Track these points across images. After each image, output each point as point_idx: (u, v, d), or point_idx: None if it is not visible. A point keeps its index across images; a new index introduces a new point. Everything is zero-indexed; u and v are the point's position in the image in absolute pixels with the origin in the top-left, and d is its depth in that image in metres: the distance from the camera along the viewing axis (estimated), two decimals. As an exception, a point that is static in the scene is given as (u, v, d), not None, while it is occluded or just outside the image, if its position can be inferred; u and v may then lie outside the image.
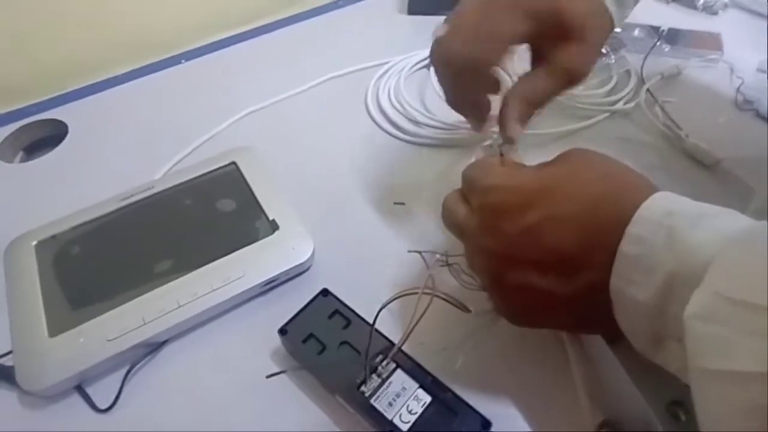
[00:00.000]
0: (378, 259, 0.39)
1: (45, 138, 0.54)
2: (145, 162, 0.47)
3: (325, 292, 0.34)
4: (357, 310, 0.34)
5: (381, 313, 0.29)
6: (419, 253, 0.33)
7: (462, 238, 0.31)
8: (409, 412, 0.29)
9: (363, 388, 0.30)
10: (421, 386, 0.30)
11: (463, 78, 0.34)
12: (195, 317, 0.35)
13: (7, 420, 0.32)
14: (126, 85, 0.57)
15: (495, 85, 0.37)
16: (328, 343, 0.32)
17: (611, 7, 0.34)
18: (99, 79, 0.57)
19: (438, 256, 0.34)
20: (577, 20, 0.32)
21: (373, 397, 0.30)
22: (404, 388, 0.30)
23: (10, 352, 0.34)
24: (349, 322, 0.33)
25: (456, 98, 0.37)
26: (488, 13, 0.33)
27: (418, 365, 0.31)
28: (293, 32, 0.63)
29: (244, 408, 0.32)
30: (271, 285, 0.37)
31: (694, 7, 0.60)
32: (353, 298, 0.35)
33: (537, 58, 0.36)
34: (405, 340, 0.30)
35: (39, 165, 0.50)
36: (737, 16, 0.61)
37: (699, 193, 0.41)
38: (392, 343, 0.31)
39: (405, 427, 0.29)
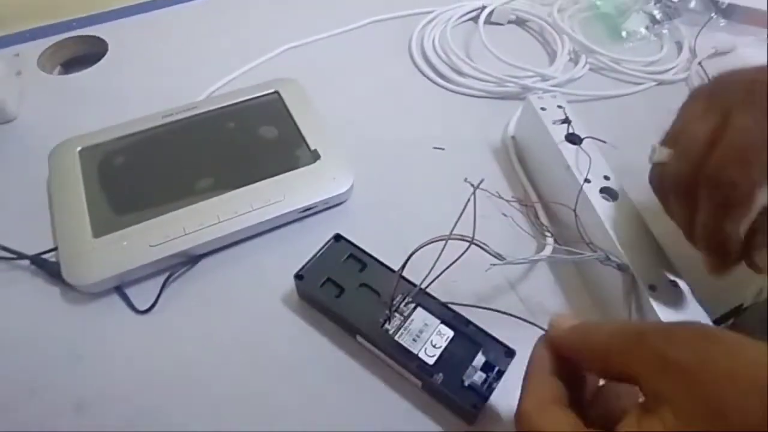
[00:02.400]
0: (413, 199, 0.40)
1: (84, 55, 0.54)
2: (185, 86, 0.47)
3: (337, 237, 0.34)
4: (386, 249, 0.33)
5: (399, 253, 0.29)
6: (473, 186, 0.29)
7: None
8: (434, 346, 0.30)
9: (386, 326, 0.30)
10: (443, 321, 0.31)
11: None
12: (233, 234, 0.36)
13: (51, 313, 0.33)
14: (170, 8, 0.56)
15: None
16: (346, 286, 0.32)
17: None
18: (143, 0, 0.57)
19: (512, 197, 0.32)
20: None
21: (397, 335, 0.30)
22: (426, 324, 0.30)
23: (54, 249, 0.35)
24: (365, 265, 0.33)
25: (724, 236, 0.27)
26: (735, 127, 0.26)
27: (440, 302, 0.31)
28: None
29: (270, 330, 0.33)
30: (308, 212, 0.38)
31: None
32: (387, 235, 0.35)
33: None
34: (427, 282, 0.30)
35: (78, 79, 0.50)
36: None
37: None
38: (413, 285, 0.31)
39: (431, 360, 0.29)
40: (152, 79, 0.49)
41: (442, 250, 0.28)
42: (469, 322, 0.31)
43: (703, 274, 0.34)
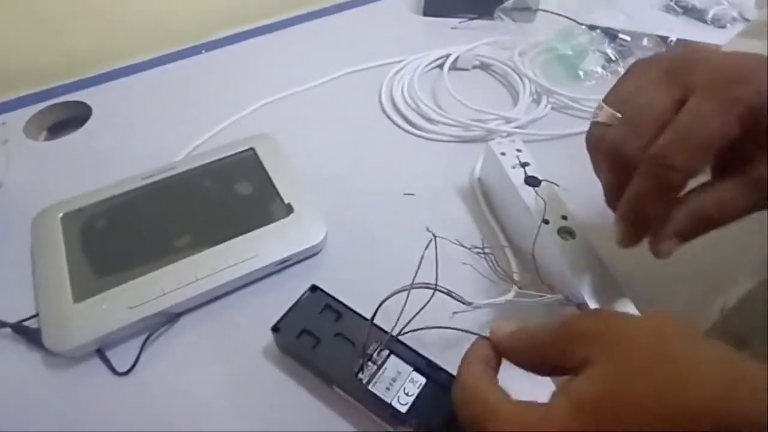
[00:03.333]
0: (386, 246, 0.41)
1: (69, 119, 0.56)
2: (165, 145, 0.49)
3: (313, 288, 0.35)
4: (361, 297, 0.34)
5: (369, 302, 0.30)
6: (433, 237, 0.32)
7: None
8: (406, 394, 0.30)
9: (360, 375, 0.31)
10: (416, 369, 0.31)
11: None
12: (211, 291, 0.37)
13: (32, 379, 0.34)
14: (149, 71, 0.59)
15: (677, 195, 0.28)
16: (322, 337, 0.33)
17: None
18: (123, 65, 0.59)
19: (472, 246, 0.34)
20: None
21: (371, 384, 0.31)
22: (399, 372, 0.31)
23: (35, 316, 0.36)
24: (339, 315, 0.34)
25: (644, 212, 0.28)
26: (692, 112, 0.25)
27: (411, 349, 0.32)
28: (311, 28, 0.65)
29: (252, 382, 0.34)
30: (284, 264, 0.39)
31: (704, 20, 0.62)
32: (361, 283, 0.36)
33: (724, 160, 0.27)
34: (398, 329, 0.31)
35: (63, 144, 0.51)
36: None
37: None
38: (385, 332, 0.32)
39: (404, 408, 0.30)
40: (134, 141, 0.51)
41: (407, 298, 0.30)
42: (440, 369, 0.31)
43: (662, 304, 0.36)
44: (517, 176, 0.38)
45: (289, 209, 0.41)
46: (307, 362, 0.33)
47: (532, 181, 0.38)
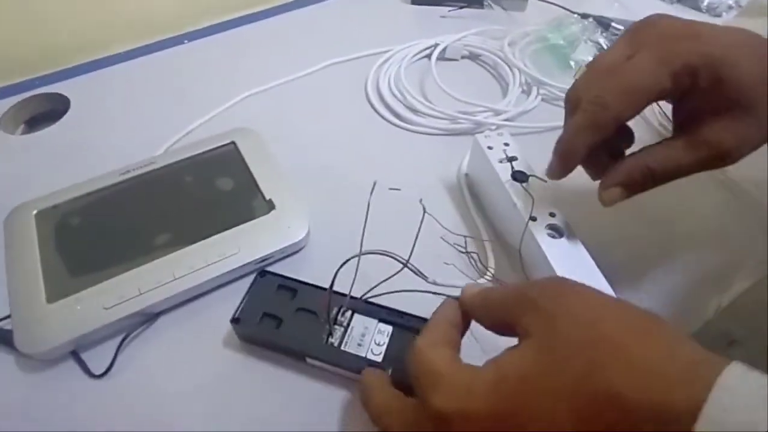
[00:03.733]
0: (371, 242, 0.40)
1: (47, 112, 0.54)
2: (145, 139, 0.48)
3: (262, 273, 0.35)
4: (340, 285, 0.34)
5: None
6: (424, 213, 0.32)
7: None
8: (378, 344, 0.32)
9: (330, 340, 0.32)
10: (380, 320, 0.32)
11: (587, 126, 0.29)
12: (190, 290, 0.36)
13: (4, 382, 0.33)
14: (129, 62, 0.57)
15: (621, 144, 0.32)
16: (283, 316, 0.33)
17: None
18: (102, 56, 0.58)
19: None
20: (744, 92, 0.26)
21: (342, 344, 0.32)
22: (366, 327, 0.32)
23: (8, 317, 0.35)
24: (295, 291, 0.34)
25: (574, 144, 0.30)
26: (633, 63, 0.27)
27: (371, 303, 0.33)
28: (296, 17, 0.64)
29: (233, 382, 0.33)
30: (265, 262, 0.38)
31: (699, 9, 0.61)
32: (344, 280, 0.35)
33: (680, 119, 0.30)
34: (357, 293, 0.32)
35: (41, 138, 0.50)
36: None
37: (693, 188, 0.43)
38: (344, 295, 0.33)
39: (379, 358, 0.31)
40: (114, 134, 0.49)
41: (358, 265, 0.31)
42: (403, 313, 0.33)
43: (655, 302, 0.35)
44: (504, 171, 0.37)
45: (270, 205, 0.40)
46: (275, 344, 0.33)
47: (519, 176, 0.37)
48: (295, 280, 0.35)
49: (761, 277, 0.36)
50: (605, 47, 0.54)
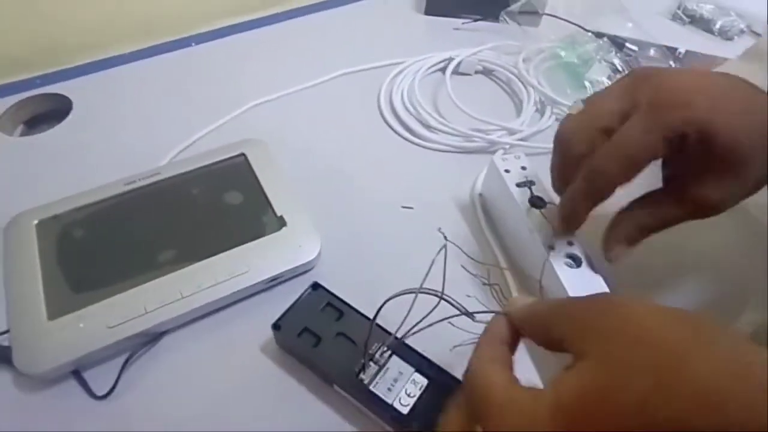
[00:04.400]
0: (383, 263, 0.39)
1: (47, 113, 0.53)
2: (150, 145, 0.47)
3: (315, 286, 0.35)
4: (358, 309, 0.34)
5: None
6: (446, 242, 0.30)
7: None
8: (408, 395, 0.30)
9: (362, 375, 0.30)
10: (417, 370, 0.31)
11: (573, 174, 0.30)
12: (197, 309, 0.35)
13: (2, 401, 0.32)
14: (133, 64, 0.56)
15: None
16: (323, 336, 0.32)
17: None
18: (106, 56, 0.56)
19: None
20: (735, 154, 0.27)
21: (372, 384, 0.30)
22: (401, 373, 0.31)
23: (6, 332, 0.34)
24: (341, 314, 0.33)
25: (560, 188, 0.33)
26: (627, 130, 0.28)
27: (414, 350, 0.32)
28: (308, 23, 0.62)
29: (242, 404, 0.32)
30: (275, 282, 0.37)
31: (711, 31, 0.61)
32: (355, 300, 0.34)
33: (669, 173, 0.31)
34: (403, 330, 0.30)
35: (40, 140, 0.49)
36: (752, 42, 0.62)
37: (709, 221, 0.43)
38: (388, 333, 0.31)
39: (405, 410, 0.29)
40: (117, 139, 0.48)
41: (413, 301, 0.28)
42: (442, 371, 0.31)
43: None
44: (522, 196, 0.37)
45: (281, 222, 0.39)
46: (308, 361, 0.32)
47: (537, 203, 0.36)
48: (345, 303, 0.34)
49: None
50: (619, 68, 0.53)
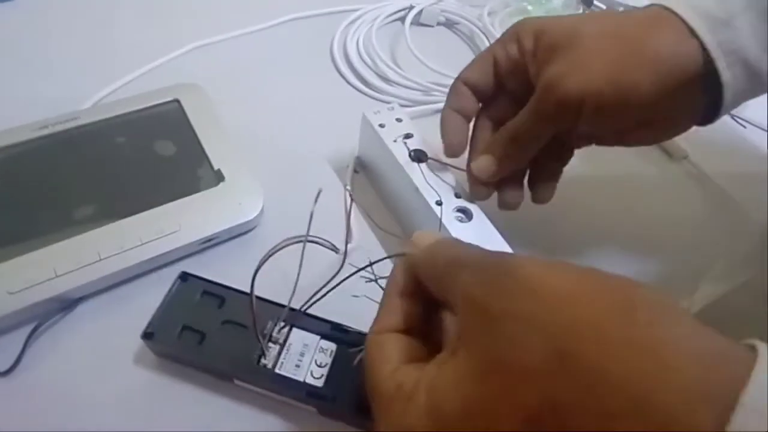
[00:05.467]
0: (328, 227, 0.36)
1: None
2: (68, 87, 0.41)
3: (183, 277, 0.30)
4: (300, 281, 0.29)
5: (258, 276, 0.26)
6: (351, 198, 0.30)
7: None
8: (319, 365, 0.27)
9: (263, 360, 0.27)
10: (323, 337, 0.28)
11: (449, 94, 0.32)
12: (118, 273, 0.31)
13: None
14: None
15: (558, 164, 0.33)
16: (206, 330, 0.28)
17: None
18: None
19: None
20: (562, 34, 0.28)
21: (277, 366, 0.27)
22: (306, 345, 0.28)
23: None
24: (222, 300, 0.29)
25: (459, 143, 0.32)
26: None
27: (313, 316, 0.29)
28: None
29: (154, 397, 0.28)
30: (210, 243, 0.33)
31: None
32: (297, 267, 0.31)
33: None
34: (288, 298, 0.28)
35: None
36: None
37: (664, 183, 0.42)
38: (280, 305, 0.28)
39: (320, 382, 0.27)
40: (27, 76, 0.42)
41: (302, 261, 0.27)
42: (349, 330, 0.28)
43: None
44: (401, 151, 0.33)
45: (219, 176, 0.34)
46: (196, 362, 0.28)
47: (420, 156, 0.33)
48: (223, 286, 0.29)
49: (735, 284, 0.35)
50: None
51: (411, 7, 0.50)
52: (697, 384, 0.13)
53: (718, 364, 0.14)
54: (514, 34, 0.30)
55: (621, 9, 0.53)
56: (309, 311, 0.28)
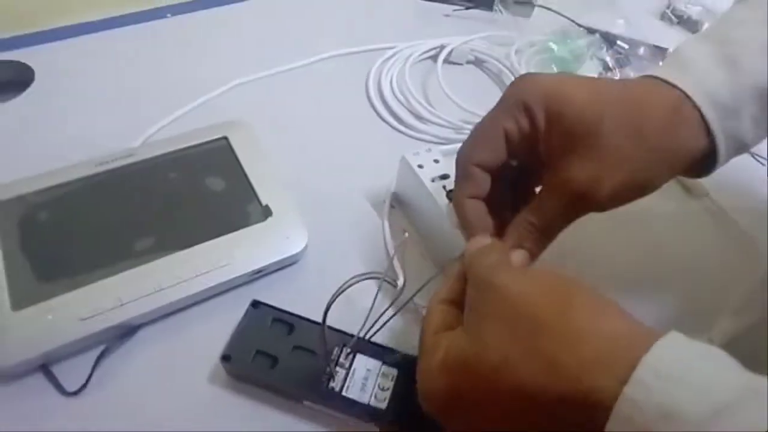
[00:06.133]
0: (368, 259, 0.38)
1: (7, 82, 0.49)
2: (121, 124, 0.44)
3: (255, 304, 0.33)
4: (341, 311, 0.30)
5: (313, 305, 0.30)
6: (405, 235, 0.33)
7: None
8: (381, 389, 0.30)
9: (331, 384, 0.30)
10: (384, 362, 0.31)
11: (462, 181, 0.30)
12: (176, 302, 0.33)
13: (-41, 398, 0.30)
14: (103, 33, 0.52)
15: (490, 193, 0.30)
16: (278, 354, 0.31)
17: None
18: (75, 22, 0.52)
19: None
20: (585, 126, 0.26)
21: (344, 389, 0.29)
22: (369, 370, 0.30)
23: (-35, 324, 0.31)
24: (291, 327, 0.32)
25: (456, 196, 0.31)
26: (491, 112, 0.29)
27: (374, 344, 0.31)
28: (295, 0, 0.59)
29: (219, 404, 0.31)
30: (259, 275, 0.36)
31: (698, 32, 0.61)
32: (340, 297, 0.33)
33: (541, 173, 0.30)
34: (362, 329, 0.30)
35: None
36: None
37: (684, 219, 0.44)
38: (346, 334, 0.31)
39: (383, 405, 0.29)
40: (84, 116, 0.45)
41: (376, 295, 0.30)
42: (408, 356, 0.31)
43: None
44: (438, 191, 0.35)
45: (266, 212, 0.37)
46: (268, 384, 0.31)
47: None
48: (292, 314, 0.32)
49: (753, 320, 0.36)
50: (610, 65, 0.53)
51: (443, 47, 0.52)
52: (601, 355, 0.20)
53: (627, 343, 0.20)
54: (521, 103, 0.27)
55: (642, 50, 0.55)
56: (373, 341, 0.31)
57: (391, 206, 0.41)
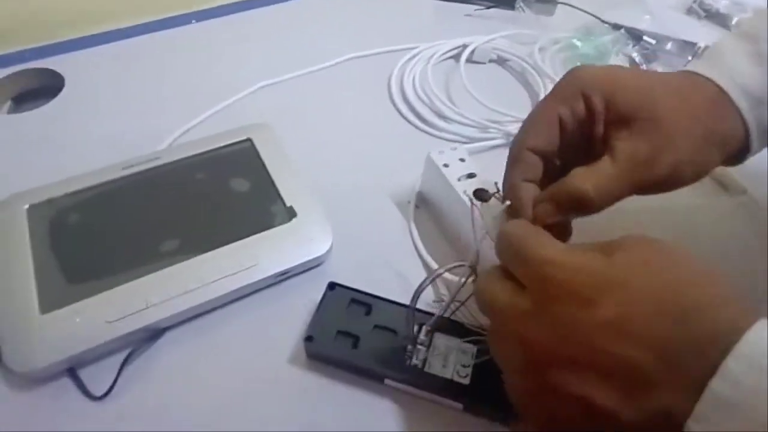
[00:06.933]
0: (395, 259, 0.37)
1: (38, 89, 0.50)
2: (147, 128, 0.44)
3: (331, 286, 0.33)
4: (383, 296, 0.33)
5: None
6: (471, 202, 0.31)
7: (498, 323, 0.25)
8: (463, 366, 0.30)
9: (415, 361, 0.30)
10: (463, 339, 0.31)
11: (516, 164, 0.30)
12: (202, 305, 0.33)
13: (-11, 400, 0.30)
14: (131, 40, 0.53)
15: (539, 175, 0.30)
16: (360, 334, 0.31)
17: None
18: (101, 31, 0.53)
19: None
20: (637, 104, 0.27)
21: (426, 366, 0.30)
22: (448, 347, 0.30)
23: (-5, 326, 0.31)
24: (369, 307, 0.32)
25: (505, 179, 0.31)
26: (544, 100, 0.30)
27: (452, 320, 0.31)
28: (314, 3, 0.60)
29: (250, 406, 0.30)
30: (284, 276, 0.35)
31: (727, 27, 0.59)
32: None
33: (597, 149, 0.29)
34: (441, 308, 0.30)
35: (30, 118, 0.46)
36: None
37: (721, 216, 0.42)
38: (426, 313, 0.31)
39: (466, 380, 0.29)
40: (112, 121, 0.45)
41: (466, 279, 0.29)
42: (482, 332, 0.30)
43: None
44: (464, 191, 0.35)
45: (291, 213, 0.36)
46: (352, 364, 0.31)
47: (482, 195, 0.33)
48: (369, 295, 0.33)
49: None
50: (637, 62, 0.52)
51: (465, 46, 0.52)
52: (721, 298, 0.22)
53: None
54: (577, 91, 0.28)
55: (669, 45, 0.54)
56: (450, 317, 0.31)
57: (416, 206, 0.40)
